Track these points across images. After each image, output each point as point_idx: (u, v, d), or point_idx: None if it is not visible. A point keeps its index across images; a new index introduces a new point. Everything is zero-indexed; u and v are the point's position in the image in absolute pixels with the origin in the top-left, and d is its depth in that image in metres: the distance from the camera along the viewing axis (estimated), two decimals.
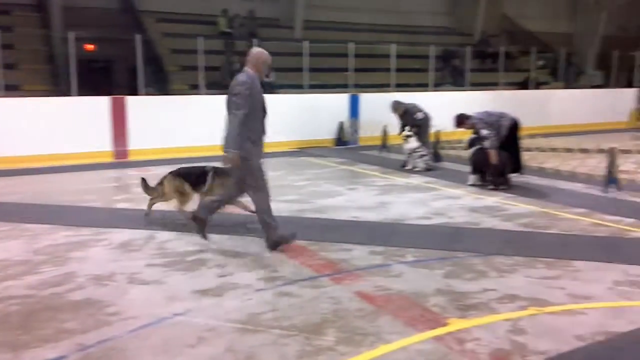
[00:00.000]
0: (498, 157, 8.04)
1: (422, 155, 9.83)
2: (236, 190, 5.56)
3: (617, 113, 19.06)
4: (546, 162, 9.56)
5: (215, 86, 14.29)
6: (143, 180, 6.62)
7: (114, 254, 5.29)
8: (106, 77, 16.13)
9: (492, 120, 8.24)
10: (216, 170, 6.31)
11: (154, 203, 6.51)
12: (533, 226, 6.17)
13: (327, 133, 13.94)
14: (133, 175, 9.85)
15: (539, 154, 9.92)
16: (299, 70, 14.17)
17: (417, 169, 9.73)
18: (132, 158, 11.62)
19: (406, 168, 9.96)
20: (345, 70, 14.70)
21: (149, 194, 6.57)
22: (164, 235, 5.84)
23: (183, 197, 6.33)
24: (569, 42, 24.32)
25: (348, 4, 19.46)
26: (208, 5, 17.06)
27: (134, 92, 12.60)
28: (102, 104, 11.60)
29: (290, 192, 8.12)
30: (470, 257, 5.07)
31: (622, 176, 8.04)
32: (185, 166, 6.75)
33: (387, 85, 15.35)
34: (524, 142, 9.30)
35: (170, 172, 6.51)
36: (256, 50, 5.36)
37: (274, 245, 5.29)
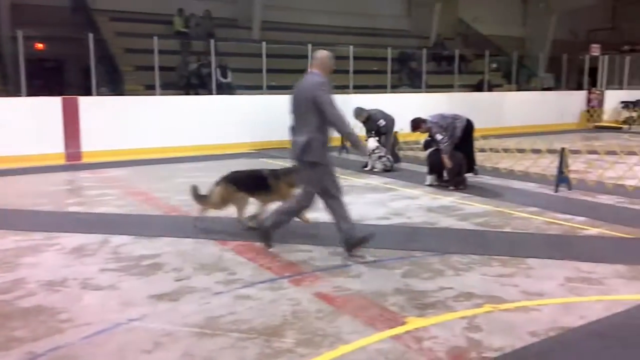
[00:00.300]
0: (454, 158, 8.18)
1: (381, 157, 9.91)
2: (308, 200, 5.25)
3: (568, 114, 19.75)
4: (500, 163, 9.80)
5: (171, 86, 14.09)
6: (194, 188, 6.11)
7: (67, 259, 5.12)
8: (57, 77, 15.66)
9: (446, 123, 8.37)
10: (275, 174, 5.96)
11: (206, 211, 6.12)
12: (488, 225, 6.31)
13: (285, 134, 13.83)
14: (86, 177, 9.59)
15: (492, 154, 10.15)
16: (257, 71, 14.11)
17: (375, 170, 9.81)
18: (85, 160, 11.32)
19: (366, 169, 10.03)
20: (304, 71, 14.66)
21: (200, 204, 6.12)
22: (118, 239, 5.69)
23: (239, 204, 6.00)
24: (521, 45, 25.09)
25: (306, 5, 19.50)
26: (163, 5, 16.77)
27: (86, 92, 12.27)
28: (53, 104, 11.26)
29: None
30: (428, 257, 5.14)
31: (572, 176, 8.31)
32: (239, 170, 6.44)
33: (346, 87, 15.44)
34: (479, 143, 9.51)
35: (223, 178, 6.07)
36: (322, 53, 5.12)
37: (353, 247, 5.08)
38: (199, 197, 6.13)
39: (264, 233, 5.33)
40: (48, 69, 15.31)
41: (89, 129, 11.50)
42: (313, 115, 4.87)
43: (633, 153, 9.50)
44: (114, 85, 13.89)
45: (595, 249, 5.39)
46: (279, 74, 15.26)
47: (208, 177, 9.40)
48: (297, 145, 4.98)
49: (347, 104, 14.16)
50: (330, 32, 19.13)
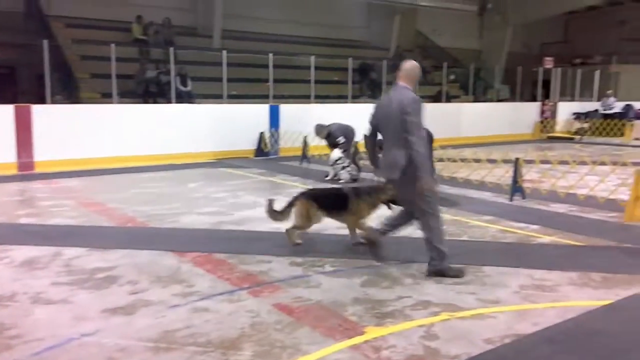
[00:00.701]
0: None
1: (344, 167, 9.96)
2: (405, 218, 5.15)
3: (522, 125, 20.33)
4: (457, 172, 9.99)
5: (129, 95, 13.85)
6: (269, 203, 5.86)
7: (16, 272, 4.94)
8: (10, 84, 15.19)
9: None
10: (356, 192, 5.68)
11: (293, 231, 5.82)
12: (445, 234, 6.37)
13: (246, 144, 13.85)
14: (39, 188, 9.29)
15: (450, 164, 10.34)
16: (217, 80, 14.02)
17: (341, 180, 9.85)
18: (38, 170, 10.97)
19: (327, 178, 10.06)
20: (265, 80, 14.70)
21: (275, 219, 5.89)
22: (71, 252, 5.53)
23: (311, 222, 5.77)
24: (478, 58, 25.73)
25: (267, 15, 19.54)
26: (121, 12, 16.54)
27: (41, 100, 11.92)
28: (5, 113, 10.89)
29: (208, 204, 7.97)
30: (387, 266, 5.17)
31: (526, 185, 8.54)
32: (317, 188, 6.13)
33: (308, 97, 15.51)
34: (437, 153, 9.66)
35: (303, 194, 5.84)
36: (410, 64, 4.91)
37: (438, 273, 4.80)
38: (274, 213, 5.87)
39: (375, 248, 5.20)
40: (0, 76, 14.83)
41: (43, 137, 11.16)
42: (402, 134, 4.70)
43: (584, 163, 9.84)
44: (69, 93, 13.55)
45: (549, 257, 5.54)
46: (240, 83, 15.24)
47: (166, 188, 9.33)
48: (395, 163, 4.75)
49: (308, 112, 14.31)
50: (291, 41, 19.22)
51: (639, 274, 4.92)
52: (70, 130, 11.57)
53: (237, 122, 13.67)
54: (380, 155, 5.15)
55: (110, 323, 3.86)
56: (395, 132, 4.72)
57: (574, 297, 4.42)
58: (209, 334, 3.67)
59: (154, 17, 16.79)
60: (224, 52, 14.02)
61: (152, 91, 14.28)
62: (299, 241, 5.81)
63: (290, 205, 5.81)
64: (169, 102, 13.62)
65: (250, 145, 13.92)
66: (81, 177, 10.22)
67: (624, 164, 9.28)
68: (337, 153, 10.04)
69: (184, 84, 14.25)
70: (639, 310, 4.18)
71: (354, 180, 9.86)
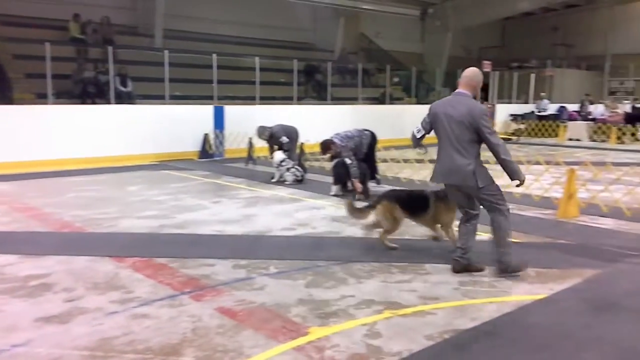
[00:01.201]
0: (360, 171, 8.35)
1: (289, 168, 9.93)
2: (470, 227, 5.10)
3: None
4: (401, 172, 10.17)
5: (66, 95, 13.33)
6: (350, 202, 5.85)
7: None
8: None
9: (354, 143, 8.55)
10: (437, 195, 5.58)
11: (386, 235, 5.75)
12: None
13: (190, 145, 13.62)
14: None
15: (394, 164, 10.51)
16: (159, 81, 13.70)
17: (287, 182, 9.82)
18: None
19: (273, 180, 10.01)
20: (209, 82, 14.49)
21: (355, 217, 5.90)
22: (2, 259, 5.26)
23: (395, 224, 5.69)
24: (420, 61, 26.32)
25: (211, 15, 19.30)
26: (57, 10, 15.92)
27: None
28: None
29: (150, 207, 7.77)
30: (331, 265, 5.20)
31: None
32: (400, 189, 6.12)
33: (253, 98, 15.40)
34: (381, 154, 9.82)
35: (385, 196, 5.78)
36: (471, 71, 4.97)
37: (507, 270, 4.85)
38: (354, 210, 5.84)
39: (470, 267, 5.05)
40: None
41: None
42: (475, 142, 4.76)
43: (520, 162, 10.20)
44: (2, 93, 12.89)
45: (487, 254, 5.67)
46: (183, 84, 14.96)
47: (104, 191, 9.04)
48: (460, 170, 4.76)
49: (253, 114, 14.21)
50: (236, 42, 19.06)
51: (571, 268, 5.14)
52: (3, 132, 11.03)
53: (180, 124, 13.42)
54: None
55: (43, 332, 3.69)
56: (459, 138, 4.75)
57: (511, 292, 4.58)
58: (148, 341, 3.57)
59: (92, 16, 16.24)
60: (166, 52, 13.74)
61: (90, 91, 13.80)
62: (395, 245, 5.76)
63: (372, 206, 5.76)
64: (108, 102, 13.20)
65: (194, 147, 13.68)
66: (15, 181, 9.75)
67: (558, 164, 9.69)
68: (280, 155, 10.00)
69: (124, 84, 13.85)
70: (571, 302, 4.36)
71: (299, 181, 9.86)
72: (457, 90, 4.94)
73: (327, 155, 8.81)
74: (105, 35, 15.89)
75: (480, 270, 5.01)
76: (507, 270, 4.89)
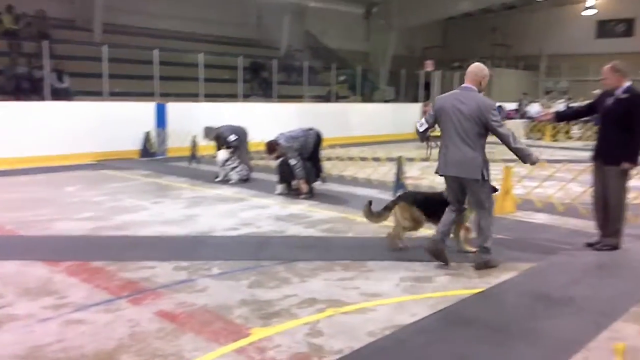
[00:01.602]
0: (304, 170, 8.35)
1: (234, 167, 9.81)
2: (454, 217, 5.22)
3: (407, 125, 21.28)
4: (345, 171, 10.25)
5: None
6: (369, 204, 5.76)
7: None
8: None
9: (299, 143, 8.49)
10: None
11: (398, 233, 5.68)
12: (333, 231, 6.54)
13: (131, 144, 13.23)
14: None
15: (339, 162, 10.59)
16: (98, 76, 13.25)
17: (231, 182, 9.70)
18: None
19: (217, 180, 9.87)
20: (151, 78, 14.13)
21: (373, 221, 5.82)
22: None
23: (415, 226, 5.62)
24: (365, 59, 26.61)
25: (152, 9, 18.82)
26: None
27: None
28: None
29: (87, 208, 7.50)
30: (275, 265, 5.17)
31: (408, 182, 8.95)
32: (417, 192, 5.97)
33: (196, 95, 15.14)
34: (326, 152, 9.87)
35: (402, 198, 5.72)
36: (475, 66, 5.05)
37: (484, 265, 5.08)
38: (371, 214, 5.80)
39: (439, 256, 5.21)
40: None
41: None
42: (482, 135, 4.89)
43: None
44: None
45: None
46: (123, 80, 14.52)
47: (39, 192, 8.65)
48: (467, 162, 4.88)
49: (197, 111, 13.97)
50: (178, 38, 18.69)
51: (508, 262, 5.31)
52: None
53: (121, 121, 13.01)
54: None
55: None
56: (467, 131, 4.87)
57: (450, 287, 4.69)
58: (83, 347, 3.45)
59: (26, 8, 15.51)
60: (105, 47, 13.29)
61: (23, 87, 13.19)
62: (402, 246, 5.72)
63: (389, 208, 5.70)
64: (43, 99, 12.65)
65: (135, 145, 13.31)
66: None
67: (495, 161, 10.00)
68: (223, 154, 9.86)
69: (60, 80, 13.32)
70: (506, 295, 4.52)
71: (244, 181, 9.77)
72: (464, 85, 5.05)
73: (273, 155, 8.77)
74: (40, 29, 15.22)
75: (446, 263, 5.18)
76: (485, 266, 5.11)
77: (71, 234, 6.23)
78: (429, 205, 5.62)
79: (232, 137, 10.05)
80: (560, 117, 6.75)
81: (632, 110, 5.42)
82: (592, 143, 6.37)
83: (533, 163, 5.04)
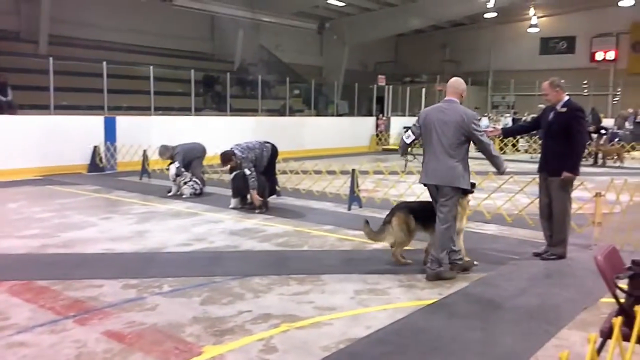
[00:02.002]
0: (258, 183, 8.29)
1: (186, 182, 9.65)
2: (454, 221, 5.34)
3: (360, 138, 21.55)
4: (300, 184, 10.25)
5: None
6: (366, 223, 5.71)
7: None
8: None
9: (255, 155, 8.43)
10: None
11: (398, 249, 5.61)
12: (288, 245, 6.51)
13: (79, 158, 12.83)
14: None
15: (293, 176, 10.57)
16: (44, 90, 12.82)
17: (184, 196, 9.53)
18: None
19: (170, 194, 9.69)
20: (99, 91, 13.78)
21: (375, 240, 5.79)
22: None
23: (411, 236, 5.60)
24: (319, 74, 26.85)
25: (100, 21, 18.45)
26: None
27: None
28: None
29: (32, 225, 7.21)
30: (228, 281, 5.09)
31: (362, 194, 9.03)
32: (412, 201, 5.93)
33: (148, 109, 14.85)
34: (280, 166, 9.84)
35: (399, 208, 5.66)
36: (454, 80, 5.32)
37: (436, 277, 5.18)
38: (372, 233, 5.73)
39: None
40: None
41: None
42: (464, 144, 5.11)
43: (411, 173, 10.66)
44: None
45: (381, 262, 5.86)
46: (70, 93, 14.13)
47: None
48: (447, 171, 5.07)
49: (148, 125, 13.72)
50: (128, 50, 18.36)
51: (459, 273, 5.41)
52: None
53: (68, 135, 12.62)
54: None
55: None
56: (451, 141, 5.07)
57: (403, 298, 4.74)
58: None
59: None
60: (51, 59, 12.89)
61: None
62: (409, 260, 5.67)
63: (387, 222, 5.62)
64: None
65: (83, 160, 12.91)
66: None
67: None
68: (174, 169, 9.70)
69: (4, 93, 12.81)
70: (458, 306, 4.59)
71: (197, 195, 9.63)
72: (446, 98, 5.29)
73: (227, 167, 8.67)
74: None
75: (466, 269, 5.46)
76: (437, 277, 5.19)
77: (15, 252, 5.97)
78: (425, 214, 5.52)
79: (176, 165, 9.71)
80: (507, 133, 6.98)
81: (571, 123, 5.67)
82: (537, 156, 6.61)
83: (504, 172, 5.39)
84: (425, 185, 5.36)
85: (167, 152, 10.09)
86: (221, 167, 8.82)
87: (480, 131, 5.15)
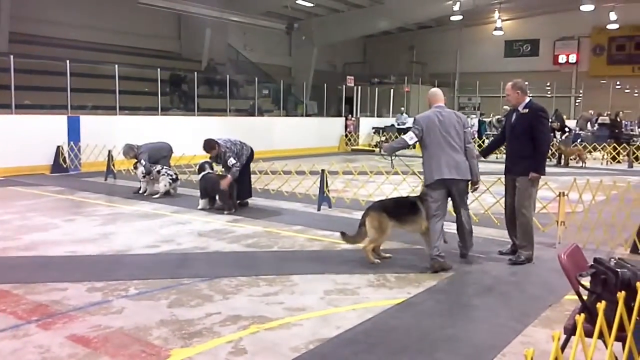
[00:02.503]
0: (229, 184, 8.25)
1: (159, 170, 9.54)
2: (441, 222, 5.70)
3: (330, 139, 21.59)
4: (270, 184, 10.21)
5: None
6: (342, 234, 5.93)
7: None
8: None
9: (237, 149, 8.52)
10: (421, 198, 5.79)
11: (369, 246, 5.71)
12: (257, 246, 6.47)
13: (41, 159, 12.52)
14: None
15: (263, 176, 10.52)
16: (5, 88, 12.45)
17: (159, 191, 9.44)
18: None
19: (141, 192, 9.58)
20: (62, 90, 13.45)
21: (355, 243, 5.90)
22: None
23: (385, 233, 5.69)
24: (288, 74, 26.79)
25: (64, 19, 18.00)
26: None
27: None
28: None
29: None
30: (197, 283, 5.04)
31: (332, 195, 9.04)
32: (387, 199, 6.22)
33: (113, 108, 14.57)
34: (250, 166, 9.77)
35: (371, 208, 5.80)
36: (437, 89, 6.16)
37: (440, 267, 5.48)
38: (350, 238, 5.90)
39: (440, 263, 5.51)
40: None
41: None
42: (462, 142, 5.64)
43: (380, 173, 10.74)
44: None
45: (350, 262, 5.88)
46: (32, 92, 13.76)
47: None
48: (462, 165, 5.61)
49: (114, 125, 13.46)
50: (92, 48, 17.97)
51: (426, 272, 5.47)
52: None
53: (29, 135, 12.29)
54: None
55: None
56: (455, 139, 5.62)
57: (373, 297, 4.76)
58: None
59: None
60: (12, 57, 12.52)
61: None
62: (385, 255, 5.88)
63: (362, 224, 5.75)
64: None
65: (46, 160, 12.60)
66: None
67: (414, 173, 10.32)
68: (141, 168, 9.58)
69: None
70: (426, 304, 4.64)
71: (174, 180, 9.56)
72: (439, 104, 5.80)
73: (211, 154, 8.58)
74: None
75: (450, 268, 5.58)
76: (441, 268, 5.48)
77: None
78: (398, 210, 5.81)
79: (143, 163, 9.64)
80: (485, 153, 6.82)
81: (534, 124, 5.79)
82: (503, 156, 6.72)
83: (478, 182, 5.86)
84: (438, 181, 5.59)
85: (132, 152, 9.95)
86: (207, 155, 8.67)
87: (470, 133, 5.87)
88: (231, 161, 8.29)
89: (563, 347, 2.77)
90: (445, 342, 3.85)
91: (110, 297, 4.61)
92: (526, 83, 6.04)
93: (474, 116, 24.87)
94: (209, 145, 8.46)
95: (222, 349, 3.65)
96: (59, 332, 3.89)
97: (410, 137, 5.71)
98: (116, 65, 14.52)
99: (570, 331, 2.85)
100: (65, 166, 12.71)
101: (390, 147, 6.05)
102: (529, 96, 5.99)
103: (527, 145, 5.79)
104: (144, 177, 9.62)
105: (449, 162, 5.55)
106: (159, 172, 9.59)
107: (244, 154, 8.67)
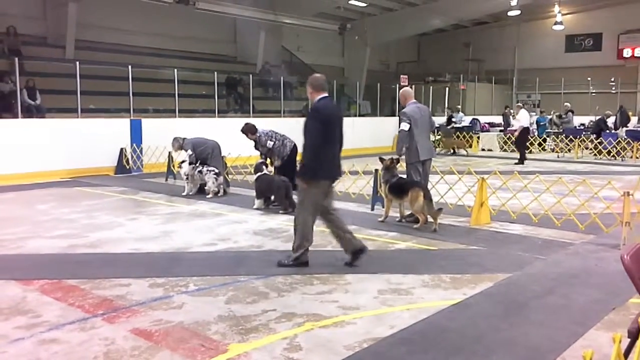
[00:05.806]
0: (280, 182, 8.39)
1: (201, 170, 9.75)
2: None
3: (383, 138, 21.47)
4: None
5: None
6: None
7: None
8: None
9: (276, 139, 9.16)
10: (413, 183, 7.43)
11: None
12: (311, 245, 6.50)
13: (106, 161, 13.09)
14: None
15: None
16: (71, 93, 13.10)
17: (210, 190, 9.67)
18: None
19: (184, 194, 9.82)
20: (125, 94, 14.01)
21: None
22: None
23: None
24: (341, 74, 26.82)
25: (126, 26, 18.73)
26: None
27: None
28: None
29: (60, 226, 7.38)
30: (252, 280, 5.15)
31: None
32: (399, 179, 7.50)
33: (172, 111, 15.06)
34: None
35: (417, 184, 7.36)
36: (409, 88, 8.19)
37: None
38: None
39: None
40: None
41: None
42: (430, 130, 8.00)
43: (435, 172, 10.61)
44: None
45: (404, 261, 5.87)
46: (96, 97, 14.40)
47: (11, 211, 8.46)
48: (431, 147, 7.94)
49: (173, 127, 13.88)
50: (152, 54, 18.60)
51: (483, 273, 5.38)
52: None
53: (95, 138, 12.88)
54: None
55: None
56: (428, 128, 7.83)
57: (427, 298, 4.72)
58: None
59: None
60: (77, 63, 13.16)
61: None
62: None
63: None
64: (16, 117, 12.45)
65: (110, 162, 13.17)
66: None
67: (470, 173, 10.13)
68: (185, 167, 9.83)
69: (33, 97, 13.13)
70: (482, 306, 4.56)
71: (216, 193, 9.69)
72: (413, 101, 7.75)
73: (252, 136, 9.23)
74: (11, 46, 15.04)
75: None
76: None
77: (44, 252, 6.12)
78: (401, 188, 7.48)
79: (189, 152, 9.84)
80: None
81: None
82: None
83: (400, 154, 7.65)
84: (422, 161, 7.58)
85: (176, 143, 10.12)
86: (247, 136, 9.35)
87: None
88: (269, 143, 8.90)
89: (627, 352, 2.67)
90: (501, 345, 3.77)
91: (171, 293, 4.78)
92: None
93: (533, 113, 24.12)
94: (248, 128, 9.06)
95: (278, 345, 3.72)
96: (122, 325, 4.07)
97: (405, 126, 7.43)
98: (175, 70, 15.00)
99: (635, 335, 2.74)
100: (128, 167, 13.23)
101: (399, 147, 7.66)
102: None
103: None
104: (187, 178, 9.86)
105: (427, 146, 7.67)
106: (200, 172, 9.77)
107: (287, 145, 9.20)
